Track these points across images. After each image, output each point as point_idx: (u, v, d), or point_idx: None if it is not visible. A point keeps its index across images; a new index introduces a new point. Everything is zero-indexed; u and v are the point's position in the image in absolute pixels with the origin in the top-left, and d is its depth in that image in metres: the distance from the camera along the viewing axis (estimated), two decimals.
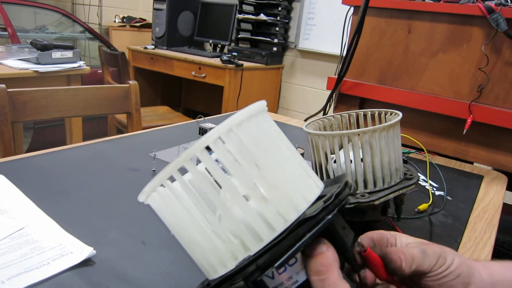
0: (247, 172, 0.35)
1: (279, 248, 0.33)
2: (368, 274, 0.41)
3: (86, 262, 0.58)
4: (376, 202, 0.68)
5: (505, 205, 1.21)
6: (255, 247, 0.34)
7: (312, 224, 0.34)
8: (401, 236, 0.47)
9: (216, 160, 0.36)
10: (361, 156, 0.69)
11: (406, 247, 0.44)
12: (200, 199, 0.37)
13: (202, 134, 0.95)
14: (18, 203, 0.72)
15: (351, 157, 0.69)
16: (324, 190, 0.40)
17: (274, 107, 3.64)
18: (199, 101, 4.20)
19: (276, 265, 0.33)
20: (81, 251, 0.59)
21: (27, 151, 0.99)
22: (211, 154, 0.34)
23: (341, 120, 0.83)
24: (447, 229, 0.83)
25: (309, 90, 3.45)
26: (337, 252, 0.37)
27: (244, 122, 0.35)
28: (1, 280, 0.53)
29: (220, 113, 2.83)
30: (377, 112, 0.80)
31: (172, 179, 0.37)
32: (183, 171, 0.36)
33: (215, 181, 0.36)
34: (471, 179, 1.14)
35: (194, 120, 1.29)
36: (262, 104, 0.38)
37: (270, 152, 0.37)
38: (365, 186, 0.70)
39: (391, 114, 0.77)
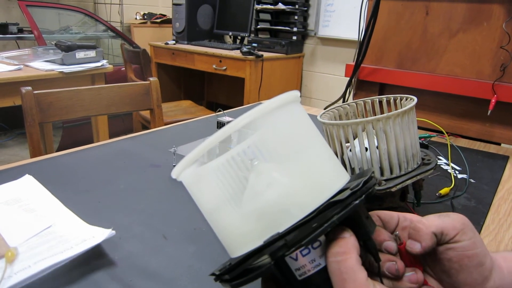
0: (281, 155, 0.37)
1: (307, 228, 0.34)
2: (400, 265, 0.40)
3: (109, 260, 0.60)
4: (393, 189, 0.67)
5: None
6: (283, 226, 0.35)
7: (340, 208, 0.35)
8: (417, 217, 0.45)
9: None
10: (376, 144, 0.69)
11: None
12: (232, 177, 0.38)
13: (219, 128, 0.96)
14: (45, 202, 0.75)
15: (366, 145, 0.69)
16: (348, 184, 0.41)
17: None
18: (221, 94, 4.23)
19: (303, 242, 0.34)
20: (102, 233, 0.62)
21: (58, 150, 1.03)
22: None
23: (357, 108, 0.83)
24: (470, 213, 0.82)
25: (330, 77, 3.42)
26: (359, 240, 0.38)
27: (278, 108, 0.37)
28: (28, 264, 0.56)
29: (243, 105, 2.84)
30: (392, 98, 0.79)
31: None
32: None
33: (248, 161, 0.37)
34: (496, 160, 1.11)
35: (213, 114, 1.31)
36: (295, 93, 0.39)
37: (303, 138, 0.39)
38: (382, 174, 0.70)
39: (406, 100, 0.77)
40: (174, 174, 0.40)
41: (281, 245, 0.34)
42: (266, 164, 0.37)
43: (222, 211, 0.39)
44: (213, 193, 0.39)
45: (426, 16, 1.26)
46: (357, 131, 0.69)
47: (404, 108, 0.69)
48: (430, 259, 0.42)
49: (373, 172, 0.41)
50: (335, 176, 0.39)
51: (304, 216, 0.35)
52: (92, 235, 0.63)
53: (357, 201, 0.36)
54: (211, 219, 0.41)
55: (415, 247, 0.40)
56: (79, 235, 0.64)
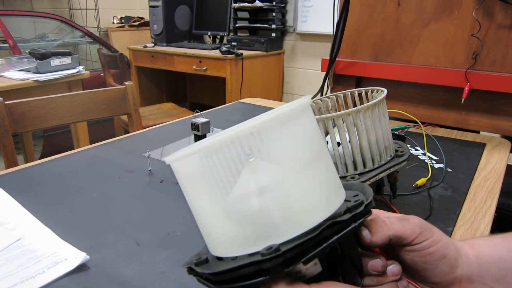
0: (283, 166, 0.36)
1: (306, 245, 0.34)
2: (384, 261, 0.40)
3: (81, 268, 0.59)
4: (367, 183, 0.67)
5: (510, 168, 1.19)
6: (278, 237, 0.35)
7: (339, 228, 0.36)
8: (384, 213, 0.46)
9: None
10: (348, 138, 0.68)
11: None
12: (229, 180, 0.36)
13: (194, 129, 0.95)
14: (15, 215, 0.73)
15: (338, 140, 0.69)
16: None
17: (278, 93, 3.62)
18: (204, 94, 4.21)
19: (302, 260, 0.34)
20: (75, 257, 0.60)
21: (40, 159, 1.01)
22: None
23: (329, 103, 0.82)
24: (446, 202, 0.82)
25: (312, 72, 3.42)
26: (347, 255, 0.39)
27: (285, 117, 0.36)
28: None
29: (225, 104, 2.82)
30: (364, 91, 0.79)
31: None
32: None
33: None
34: (473, 148, 1.12)
35: (190, 116, 1.30)
36: (304, 101, 0.38)
37: (308, 150, 0.38)
38: (355, 168, 0.69)
39: (377, 92, 0.76)
40: (169, 160, 0.37)
41: (281, 261, 0.34)
42: (266, 164, 0.35)
43: (209, 206, 0.38)
44: (203, 184, 0.37)
45: (398, 7, 1.27)
46: (328, 126, 0.68)
47: (373, 101, 0.68)
48: (397, 260, 0.42)
49: (372, 193, 0.41)
50: (335, 194, 0.39)
51: (303, 232, 0.35)
52: (64, 257, 0.61)
53: (356, 224, 0.37)
54: (197, 212, 0.39)
55: (367, 237, 0.40)
56: (49, 252, 0.62)
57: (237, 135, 0.34)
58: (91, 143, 1.15)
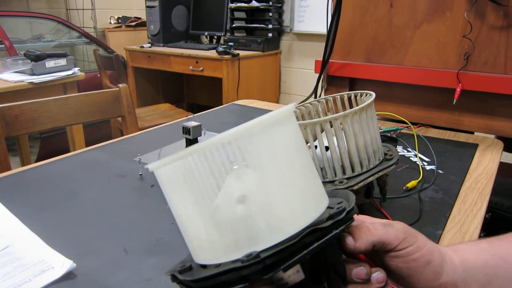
0: (265, 174, 0.36)
1: (286, 252, 0.34)
2: (368, 268, 0.40)
3: (68, 276, 0.59)
4: (355, 187, 0.67)
5: (505, 166, 1.19)
6: (259, 244, 0.35)
7: (320, 235, 0.36)
8: (369, 218, 0.46)
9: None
10: (336, 143, 0.68)
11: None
12: (213, 187, 0.36)
13: (185, 133, 0.95)
14: (3, 222, 0.73)
15: (326, 144, 0.69)
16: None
17: (275, 93, 3.62)
18: (201, 95, 4.20)
19: (282, 267, 0.34)
20: (62, 265, 0.60)
21: (36, 161, 1.01)
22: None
23: (318, 107, 0.82)
24: (436, 204, 0.82)
25: (309, 72, 3.42)
26: (330, 263, 0.39)
27: (267, 124, 0.36)
28: None
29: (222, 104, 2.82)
30: (352, 94, 0.79)
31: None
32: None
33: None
34: (466, 149, 1.12)
35: (183, 118, 1.29)
36: (286, 109, 0.38)
37: (291, 158, 0.38)
38: (344, 172, 0.69)
39: (366, 95, 0.76)
40: (152, 167, 0.37)
41: (260, 268, 0.34)
42: (248, 171, 0.35)
43: (192, 213, 0.37)
44: (186, 192, 0.37)
45: (390, 9, 1.26)
46: (316, 130, 0.68)
47: (360, 106, 0.68)
48: (382, 267, 0.42)
49: (355, 199, 0.41)
50: (318, 201, 0.39)
51: (284, 239, 0.35)
52: (51, 265, 0.61)
53: (337, 230, 0.37)
54: (180, 220, 0.39)
55: (350, 243, 0.40)
56: (36, 260, 0.62)
57: (217, 143, 0.34)
58: (87, 145, 1.14)
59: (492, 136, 1.29)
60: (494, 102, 1.19)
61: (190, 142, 0.96)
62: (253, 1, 3.28)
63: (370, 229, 0.41)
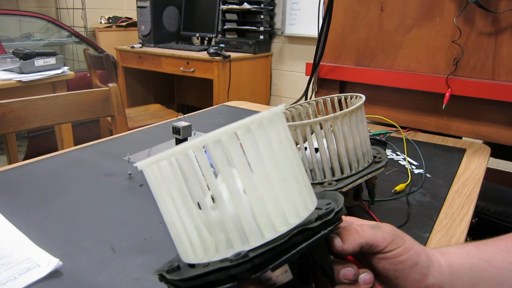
0: (254, 174, 0.36)
1: (275, 252, 0.35)
2: (355, 269, 0.40)
3: (54, 274, 0.58)
4: (344, 189, 0.67)
5: (492, 172, 1.21)
6: (247, 244, 0.35)
7: (308, 235, 0.36)
8: (358, 220, 0.46)
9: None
10: (326, 144, 0.68)
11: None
12: (202, 186, 0.37)
13: (175, 133, 0.95)
14: None
15: (316, 146, 0.69)
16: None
17: (266, 95, 3.62)
18: (191, 96, 4.19)
19: (270, 266, 0.34)
20: (48, 263, 0.60)
21: (24, 160, 0.99)
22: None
23: (309, 109, 0.82)
24: (424, 208, 0.82)
25: (299, 75, 3.43)
26: (318, 263, 0.39)
27: (257, 124, 0.36)
28: None
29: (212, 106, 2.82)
30: (343, 97, 0.79)
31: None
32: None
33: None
34: (453, 153, 1.13)
35: (174, 119, 1.29)
36: (276, 110, 0.38)
37: (279, 158, 0.38)
38: (333, 174, 0.70)
39: (356, 98, 0.77)
40: (140, 165, 0.37)
41: (248, 267, 0.34)
42: (237, 171, 0.35)
43: (180, 212, 0.37)
44: (175, 190, 0.37)
45: (381, 13, 1.27)
46: (306, 132, 0.68)
47: (350, 108, 0.68)
48: (369, 268, 0.43)
49: (343, 201, 0.42)
50: (307, 201, 0.39)
51: (272, 238, 0.35)
52: (37, 263, 0.60)
53: (326, 231, 0.37)
54: (168, 219, 0.39)
55: (338, 245, 0.41)
56: (22, 258, 0.61)
57: (206, 141, 0.35)
58: (75, 144, 1.14)
59: (480, 141, 1.30)
60: (482, 108, 1.21)
61: (180, 142, 0.96)
62: (245, 3, 3.28)
63: (358, 230, 0.42)
